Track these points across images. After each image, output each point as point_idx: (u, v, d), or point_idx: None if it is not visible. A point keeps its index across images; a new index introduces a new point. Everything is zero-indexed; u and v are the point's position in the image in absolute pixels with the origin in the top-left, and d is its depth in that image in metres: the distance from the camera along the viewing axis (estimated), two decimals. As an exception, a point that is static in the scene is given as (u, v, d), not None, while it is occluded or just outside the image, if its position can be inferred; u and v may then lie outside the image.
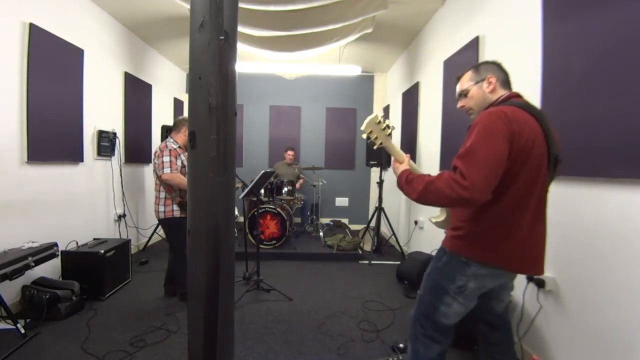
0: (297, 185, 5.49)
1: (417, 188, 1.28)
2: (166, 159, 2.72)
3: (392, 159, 1.51)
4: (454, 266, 1.37)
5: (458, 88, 1.50)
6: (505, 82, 1.42)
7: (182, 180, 2.71)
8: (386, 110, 6.03)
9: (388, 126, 1.48)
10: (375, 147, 1.55)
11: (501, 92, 1.40)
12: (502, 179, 1.22)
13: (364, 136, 1.49)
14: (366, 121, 1.46)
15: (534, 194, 1.28)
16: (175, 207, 2.80)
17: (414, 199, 1.31)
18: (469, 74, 1.46)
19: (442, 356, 1.45)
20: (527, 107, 1.30)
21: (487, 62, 1.47)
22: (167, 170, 2.70)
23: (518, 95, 1.39)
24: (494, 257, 1.30)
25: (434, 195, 1.23)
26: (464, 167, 1.17)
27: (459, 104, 1.50)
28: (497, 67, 1.44)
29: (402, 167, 1.43)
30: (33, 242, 2.52)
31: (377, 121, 1.46)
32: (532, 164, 1.25)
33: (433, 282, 1.44)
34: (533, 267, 1.36)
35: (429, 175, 1.29)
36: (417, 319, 1.48)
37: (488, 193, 1.18)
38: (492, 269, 1.33)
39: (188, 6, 1.81)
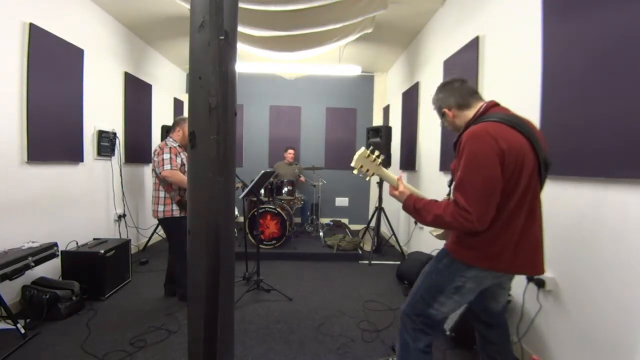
0: (301, 179, 5.49)
1: (426, 218, 1.35)
2: (166, 156, 2.72)
3: (389, 186, 1.55)
4: (455, 269, 1.38)
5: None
6: (464, 99, 1.44)
7: (181, 177, 2.70)
8: (386, 110, 6.03)
9: (378, 156, 1.53)
10: (367, 179, 1.61)
11: (467, 112, 1.43)
12: (500, 197, 1.26)
13: (355, 172, 1.55)
14: (355, 157, 1.52)
15: (526, 202, 1.30)
16: (175, 207, 2.80)
17: (422, 224, 1.38)
18: (436, 112, 1.56)
19: (430, 347, 1.48)
20: (506, 120, 1.31)
21: (437, 93, 1.52)
22: (167, 167, 2.70)
23: (495, 104, 1.40)
24: (496, 265, 1.32)
25: (442, 226, 1.35)
26: (465, 202, 1.22)
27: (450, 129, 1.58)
28: (446, 93, 1.48)
29: (404, 195, 1.46)
30: (33, 242, 2.52)
31: (366, 155, 1.52)
32: (524, 176, 1.28)
33: (431, 282, 1.45)
34: (533, 268, 1.37)
35: (435, 203, 1.34)
36: (408, 314, 1.50)
37: (490, 218, 1.24)
38: (492, 272, 1.35)
39: (188, 6, 1.81)
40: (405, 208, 1.45)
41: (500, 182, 1.23)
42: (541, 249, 1.38)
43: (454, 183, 1.31)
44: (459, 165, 1.27)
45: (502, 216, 1.28)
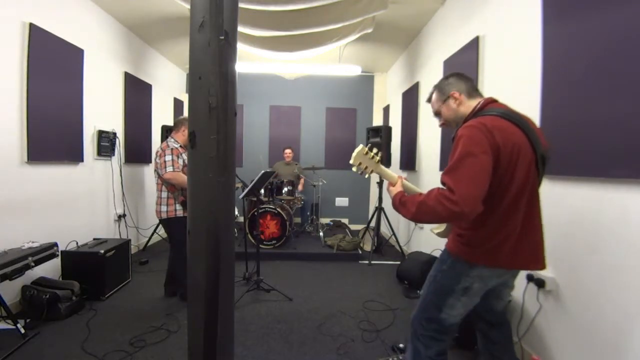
0: (300, 187, 5.49)
1: (410, 209, 1.30)
2: (168, 157, 2.73)
3: (386, 182, 1.54)
4: (458, 269, 1.38)
5: (432, 110, 1.57)
6: (471, 90, 1.45)
7: (184, 179, 2.71)
8: (386, 110, 6.03)
9: (376, 154, 1.52)
10: (366, 176, 1.60)
11: (471, 103, 1.43)
12: (496, 190, 1.26)
13: (354, 169, 1.54)
14: (354, 154, 1.51)
15: (525, 196, 1.30)
16: (178, 207, 2.81)
17: (410, 219, 1.34)
18: (435, 95, 1.53)
19: (443, 355, 1.45)
20: (505, 114, 1.32)
21: (447, 77, 1.52)
22: (169, 169, 2.71)
23: (494, 101, 1.40)
24: (496, 261, 1.32)
25: (427, 214, 1.26)
26: (451, 182, 1.19)
27: (439, 123, 1.57)
28: (457, 78, 1.48)
29: (395, 190, 1.45)
30: (33, 242, 2.52)
31: (365, 152, 1.51)
32: (520, 171, 1.27)
33: (437, 285, 1.45)
34: (534, 262, 1.37)
35: (421, 195, 1.31)
36: (419, 320, 1.48)
37: (477, 205, 1.19)
38: (495, 269, 1.35)
39: (188, 6, 1.81)
40: (392, 203, 1.42)
41: (490, 173, 1.21)
42: (542, 243, 1.38)
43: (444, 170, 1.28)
44: (453, 155, 1.26)
45: (499, 210, 1.28)
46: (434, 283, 1.46)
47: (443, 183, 1.23)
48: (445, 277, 1.42)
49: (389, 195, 1.49)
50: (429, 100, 1.58)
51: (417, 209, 1.27)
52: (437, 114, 1.54)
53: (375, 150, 1.53)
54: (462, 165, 1.20)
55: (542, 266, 1.38)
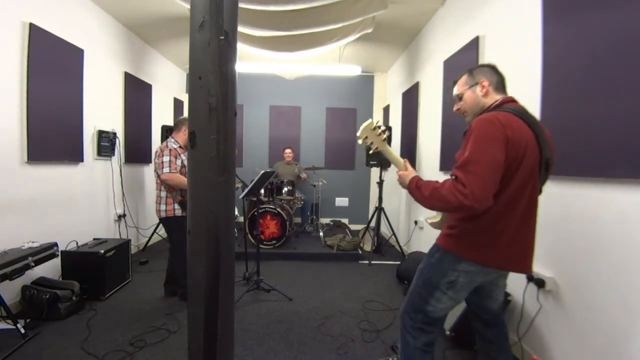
0: (302, 177, 5.50)
1: (424, 193, 1.33)
2: (166, 158, 2.73)
3: (396, 170, 1.53)
4: (446, 263, 1.41)
5: (454, 91, 1.55)
6: (500, 85, 1.45)
7: (180, 180, 2.71)
8: (386, 110, 6.03)
9: (384, 131, 1.52)
10: (371, 152, 1.61)
11: (495, 96, 1.43)
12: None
13: (360, 142, 1.53)
14: (362, 127, 1.51)
15: (524, 196, 1.31)
16: (177, 206, 2.81)
17: (421, 202, 1.36)
18: (464, 78, 1.51)
19: (431, 345, 1.48)
20: (519, 112, 1.33)
21: (482, 65, 1.50)
22: (166, 169, 2.71)
23: (512, 100, 1.41)
24: (483, 256, 1.33)
25: (438, 201, 1.29)
26: (463, 177, 1.21)
27: (455, 107, 1.55)
28: (491, 70, 1.47)
29: (411, 174, 1.45)
30: (33, 242, 2.52)
31: (373, 127, 1.51)
32: (524, 169, 1.28)
33: (425, 278, 1.47)
34: (520, 265, 1.38)
35: (436, 182, 1.33)
36: (407, 312, 1.51)
37: (489, 200, 1.22)
38: (482, 267, 1.36)
39: (188, 6, 1.81)
40: (409, 185, 1.42)
41: (502, 167, 1.23)
42: (532, 248, 1.39)
43: (456, 164, 1.28)
44: (465, 149, 1.27)
45: (496, 205, 1.28)
46: (422, 276, 1.49)
47: (455, 177, 1.24)
48: (432, 271, 1.45)
49: (400, 180, 1.48)
50: (455, 82, 1.55)
51: (430, 193, 1.30)
52: (459, 97, 1.51)
53: (382, 127, 1.53)
54: (475, 160, 1.22)
55: (529, 270, 1.39)
